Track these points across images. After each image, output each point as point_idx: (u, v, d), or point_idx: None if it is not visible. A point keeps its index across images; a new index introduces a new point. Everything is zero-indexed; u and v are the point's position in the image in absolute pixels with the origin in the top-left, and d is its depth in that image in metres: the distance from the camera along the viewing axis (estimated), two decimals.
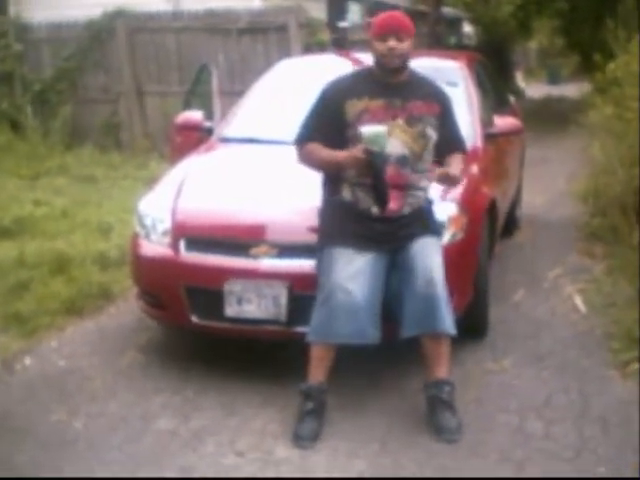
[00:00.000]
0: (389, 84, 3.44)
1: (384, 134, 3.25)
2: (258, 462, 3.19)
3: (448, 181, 3.44)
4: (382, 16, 3.44)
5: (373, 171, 3.31)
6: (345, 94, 3.44)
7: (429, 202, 3.59)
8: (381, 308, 3.40)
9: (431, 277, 3.32)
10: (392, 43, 3.33)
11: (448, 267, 3.73)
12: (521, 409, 3.58)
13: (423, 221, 3.49)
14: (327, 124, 3.45)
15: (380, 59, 3.40)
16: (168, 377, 3.95)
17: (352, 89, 3.46)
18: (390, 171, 3.36)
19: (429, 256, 3.38)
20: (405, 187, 3.41)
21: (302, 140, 3.54)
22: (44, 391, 3.83)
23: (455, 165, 3.47)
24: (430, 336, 3.41)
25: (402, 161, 3.38)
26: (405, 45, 3.36)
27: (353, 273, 3.31)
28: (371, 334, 3.35)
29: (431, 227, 3.53)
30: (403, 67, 3.43)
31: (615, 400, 3.64)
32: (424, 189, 3.50)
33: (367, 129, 3.26)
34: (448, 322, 3.36)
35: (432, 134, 3.44)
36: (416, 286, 3.33)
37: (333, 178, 3.50)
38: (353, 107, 3.40)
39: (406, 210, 3.43)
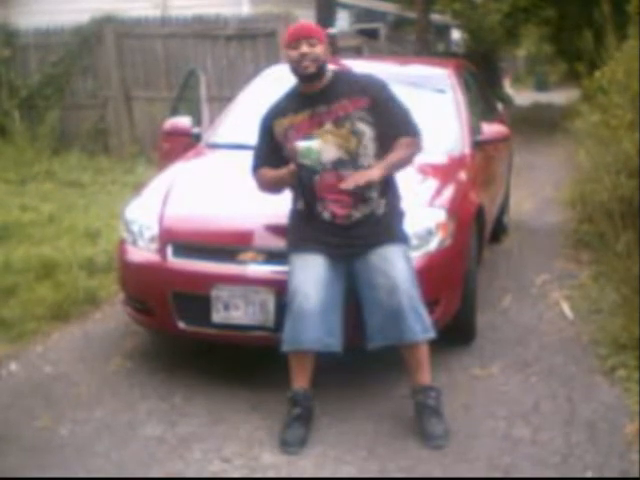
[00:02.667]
0: (311, 93, 3.47)
1: (316, 147, 3.30)
2: (245, 468, 3.18)
3: (362, 187, 3.32)
4: (293, 26, 3.53)
5: (302, 183, 3.41)
6: (273, 115, 3.56)
7: (391, 207, 3.52)
8: (344, 317, 3.40)
9: (394, 287, 3.30)
10: (304, 48, 3.36)
11: (436, 273, 3.76)
12: (508, 415, 3.58)
13: (385, 230, 3.46)
14: (268, 149, 3.58)
15: (295, 67, 3.42)
16: (154, 383, 3.93)
17: (279, 109, 3.55)
18: (329, 178, 3.38)
19: (392, 265, 3.36)
20: (351, 190, 3.37)
21: (254, 170, 3.66)
22: (29, 397, 3.81)
23: (391, 156, 3.41)
24: (402, 345, 3.40)
25: (338, 164, 3.39)
26: (317, 49, 3.38)
27: (310, 278, 3.34)
28: (327, 342, 3.35)
29: (394, 235, 3.48)
30: (320, 72, 3.43)
31: (602, 406, 3.64)
32: (377, 190, 3.43)
33: (300, 143, 3.32)
34: (417, 329, 3.34)
35: (364, 128, 3.41)
36: (378, 298, 3.33)
37: (292, 189, 3.56)
38: (280, 126, 3.50)
39: (356, 215, 3.41)
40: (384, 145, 3.44)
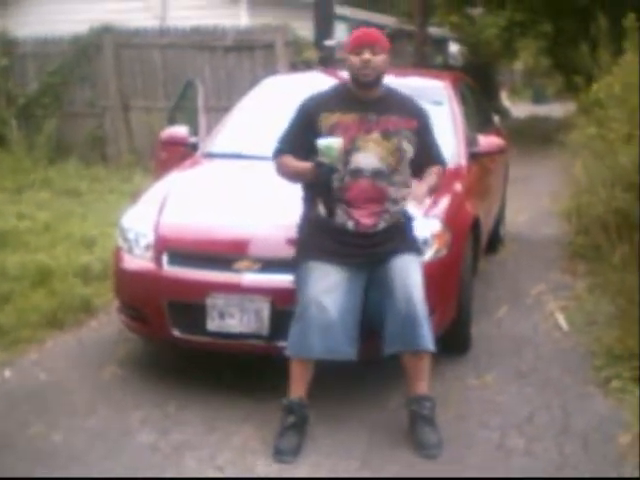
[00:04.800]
0: (364, 99, 3.48)
1: (337, 146, 3.27)
2: (238, 477, 3.17)
3: (417, 200, 3.40)
4: (357, 32, 3.50)
5: (320, 182, 3.38)
6: (319, 108, 3.50)
7: (408, 218, 3.60)
8: (360, 325, 3.40)
9: (411, 296, 3.32)
10: (367, 56, 3.37)
11: (431, 284, 3.74)
12: (503, 425, 3.57)
13: (401, 238, 3.50)
14: (302, 138, 3.50)
15: (355, 73, 3.43)
16: (148, 391, 3.93)
17: (327, 103, 3.51)
18: (364, 185, 3.39)
19: (408, 274, 3.39)
20: (381, 201, 3.42)
21: (278, 153, 3.61)
22: (23, 404, 3.80)
23: (428, 178, 3.51)
24: (410, 353, 3.41)
25: (377, 174, 3.40)
26: (380, 59, 3.40)
27: (327, 288, 3.33)
28: (344, 351, 3.35)
29: (410, 244, 3.54)
30: (377, 82, 3.46)
31: (596, 417, 3.64)
32: (401, 203, 3.50)
33: (321, 141, 3.30)
34: (428, 339, 3.36)
35: (408, 148, 3.47)
36: (396, 305, 3.33)
37: (310, 193, 3.53)
38: (326, 120, 3.45)
39: (381, 225, 3.44)
40: (414, 167, 3.52)
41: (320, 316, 3.28)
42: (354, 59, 3.40)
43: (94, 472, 3.20)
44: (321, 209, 3.48)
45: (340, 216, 3.43)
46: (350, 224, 3.42)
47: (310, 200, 3.54)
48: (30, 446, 3.41)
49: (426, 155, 3.57)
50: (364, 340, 3.43)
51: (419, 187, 3.43)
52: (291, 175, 3.56)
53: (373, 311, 3.44)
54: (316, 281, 3.35)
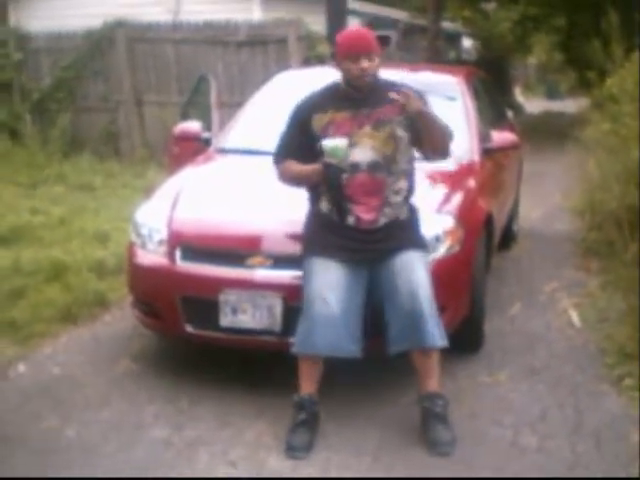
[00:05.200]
0: (356, 95, 3.48)
1: (343, 146, 3.30)
2: (250, 473, 3.18)
3: (410, 99, 3.30)
4: (350, 35, 3.48)
5: (328, 183, 3.40)
6: (312, 109, 3.52)
7: (412, 213, 3.56)
8: (364, 323, 3.40)
9: (415, 292, 3.32)
10: (365, 64, 3.36)
11: (443, 280, 3.75)
12: (515, 423, 3.57)
13: (406, 235, 3.48)
14: (298, 140, 3.53)
15: (352, 80, 3.43)
16: (162, 386, 3.94)
17: (319, 103, 3.53)
18: (362, 179, 3.39)
19: (413, 271, 3.37)
20: (380, 193, 3.41)
21: (278, 159, 3.63)
22: (37, 398, 3.82)
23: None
24: (419, 350, 3.41)
25: (374, 166, 3.40)
26: (375, 64, 3.40)
27: (330, 283, 3.34)
28: (348, 349, 3.36)
29: (415, 241, 3.52)
30: (372, 83, 3.45)
31: (609, 415, 3.64)
32: (403, 195, 3.48)
33: (327, 142, 3.32)
34: (436, 335, 3.35)
35: (402, 134, 3.44)
36: (400, 302, 3.33)
37: (313, 191, 3.55)
38: (319, 121, 3.47)
39: (382, 221, 3.43)
40: (419, 146, 3.49)
41: (324, 312, 3.29)
42: (351, 66, 3.38)
43: (107, 466, 3.22)
44: (324, 206, 3.50)
45: (342, 212, 3.44)
46: (351, 220, 3.43)
47: (314, 197, 3.56)
48: (44, 440, 3.43)
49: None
50: (369, 338, 3.43)
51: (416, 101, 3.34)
52: (296, 179, 3.58)
53: (378, 309, 3.44)
54: (320, 277, 3.37)
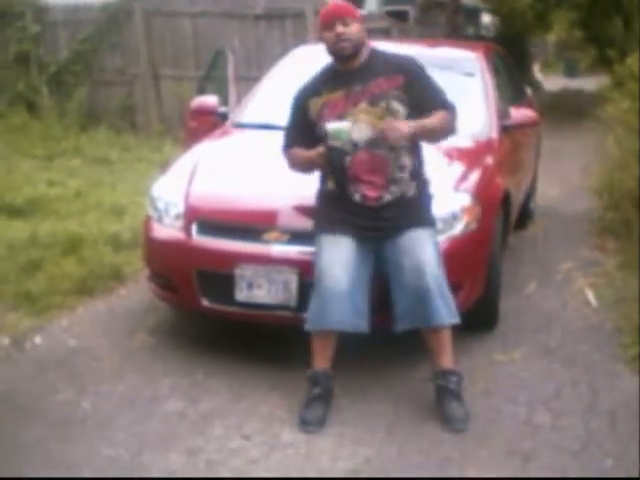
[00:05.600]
0: (348, 72, 3.46)
1: (347, 129, 3.29)
2: (264, 446, 3.20)
3: (394, 131, 3.28)
4: (326, 7, 3.48)
5: (332, 165, 3.42)
6: (308, 94, 3.54)
7: (421, 190, 3.52)
8: (371, 299, 3.40)
9: (421, 270, 3.30)
10: (339, 29, 3.35)
11: (460, 258, 3.74)
12: (529, 401, 3.57)
13: (415, 213, 3.46)
14: (301, 127, 3.56)
15: (332, 48, 3.42)
16: (177, 359, 3.97)
17: (314, 88, 3.54)
18: (362, 157, 3.38)
19: (419, 248, 3.35)
20: (383, 169, 3.39)
21: (285, 148, 3.66)
22: (53, 370, 3.85)
23: (426, 119, 3.38)
24: (428, 328, 3.40)
25: (372, 143, 3.38)
26: (353, 29, 3.37)
27: (339, 259, 3.34)
28: (355, 323, 3.36)
29: (423, 218, 3.48)
30: (357, 52, 3.42)
31: (623, 394, 3.63)
32: (408, 172, 3.44)
33: (330, 125, 3.31)
34: (443, 314, 3.34)
35: (398, 107, 3.40)
36: (405, 280, 3.33)
37: (321, 171, 3.56)
38: (315, 104, 3.48)
39: (387, 198, 3.41)
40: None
41: (332, 287, 3.30)
42: (327, 35, 3.39)
43: (122, 438, 3.25)
44: (331, 185, 3.51)
45: (348, 189, 3.43)
46: (357, 196, 3.42)
47: (322, 177, 3.57)
48: (60, 411, 3.47)
49: (425, 106, 3.43)
50: (376, 314, 3.43)
51: (401, 122, 3.33)
52: (303, 165, 3.60)
53: (385, 286, 3.43)
54: (328, 254, 3.38)
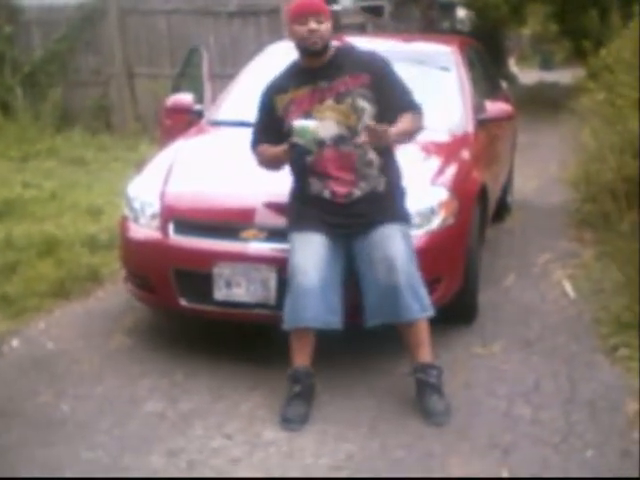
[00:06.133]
0: (314, 69, 3.45)
1: (313, 128, 3.28)
2: (246, 445, 3.19)
3: (376, 136, 3.26)
4: (298, 1, 3.44)
5: (293, 162, 3.45)
6: (274, 91, 3.55)
7: (391, 185, 3.50)
8: (344, 295, 3.40)
9: (392, 266, 3.29)
10: (313, 25, 3.34)
11: (438, 252, 3.75)
12: (509, 394, 3.58)
13: (386, 208, 3.44)
14: (268, 124, 3.57)
15: (301, 43, 3.40)
16: (156, 360, 3.94)
17: (280, 85, 3.54)
18: (330, 154, 3.39)
19: (390, 243, 3.35)
20: (351, 166, 3.40)
21: (253, 145, 3.66)
22: (31, 373, 3.82)
23: (400, 124, 3.37)
24: (402, 323, 3.40)
25: (339, 140, 3.38)
26: (325, 27, 3.37)
27: (310, 256, 3.34)
28: (327, 319, 3.36)
29: (395, 213, 3.48)
30: (325, 49, 3.42)
31: (603, 385, 3.64)
32: (377, 167, 3.43)
33: (297, 123, 3.31)
34: (415, 308, 3.34)
35: (364, 105, 3.40)
36: (376, 276, 3.33)
37: (290, 169, 3.56)
38: (281, 101, 3.49)
39: (357, 194, 3.41)
40: (385, 122, 3.39)
41: (304, 283, 3.30)
42: (299, 29, 3.36)
43: (103, 439, 3.22)
44: (300, 183, 3.52)
45: (316, 187, 3.44)
46: (326, 193, 3.42)
47: (291, 174, 3.58)
48: (39, 414, 3.43)
49: (393, 106, 3.43)
50: (348, 310, 3.42)
51: (383, 127, 3.28)
52: (269, 162, 3.60)
53: (357, 282, 3.43)
54: (300, 251, 3.38)
